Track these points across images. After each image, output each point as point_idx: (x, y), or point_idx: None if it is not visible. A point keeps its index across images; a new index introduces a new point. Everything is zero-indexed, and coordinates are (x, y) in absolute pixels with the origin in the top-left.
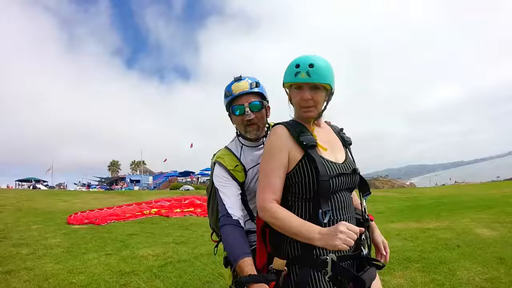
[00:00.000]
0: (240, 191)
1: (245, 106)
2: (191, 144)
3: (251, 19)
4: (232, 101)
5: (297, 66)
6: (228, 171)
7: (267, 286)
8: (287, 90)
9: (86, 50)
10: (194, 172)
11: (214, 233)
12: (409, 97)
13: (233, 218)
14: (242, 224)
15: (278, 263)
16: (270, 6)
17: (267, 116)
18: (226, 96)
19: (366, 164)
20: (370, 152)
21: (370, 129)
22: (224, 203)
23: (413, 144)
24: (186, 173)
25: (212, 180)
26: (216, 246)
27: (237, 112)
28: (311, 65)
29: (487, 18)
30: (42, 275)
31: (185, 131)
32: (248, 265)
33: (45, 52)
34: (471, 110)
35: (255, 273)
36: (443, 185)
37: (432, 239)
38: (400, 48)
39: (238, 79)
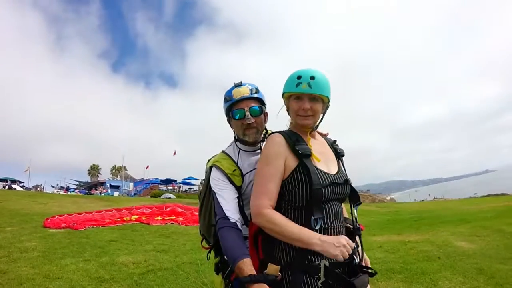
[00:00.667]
0: (237, 195)
1: (246, 110)
2: (174, 152)
3: (240, 30)
4: (233, 106)
5: (299, 77)
6: (225, 174)
7: (267, 286)
8: (286, 100)
9: (73, 50)
10: (176, 181)
11: (204, 240)
12: (392, 114)
13: (231, 220)
14: (240, 227)
15: (272, 268)
16: (258, 19)
17: (265, 121)
18: (226, 100)
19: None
20: (352, 167)
21: (353, 144)
22: (222, 205)
23: (394, 160)
24: (167, 181)
25: (206, 185)
26: (209, 252)
27: (237, 116)
28: (312, 77)
29: (470, 41)
30: (17, 279)
31: (168, 138)
32: (247, 266)
33: (29, 50)
34: (452, 128)
35: (255, 273)
36: (423, 200)
37: (413, 251)
38: (384, 66)
39: (239, 84)
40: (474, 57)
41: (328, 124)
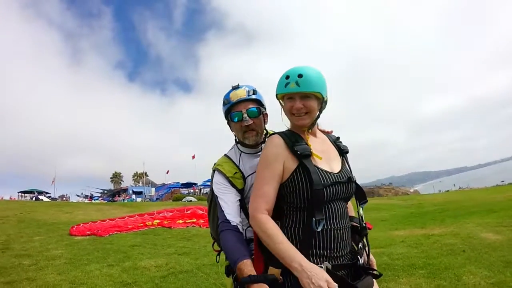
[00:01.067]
0: (239, 198)
1: (243, 112)
2: (193, 156)
3: (250, 33)
4: (231, 108)
5: (287, 77)
6: (227, 178)
7: (267, 286)
8: (281, 101)
9: (89, 63)
10: (196, 184)
11: (215, 243)
12: (409, 107)
13: (232, 223)
14: (241, 230)
15: (273, 272)
16: (267, 19)
17: (264, 122)
18: (224, 104)
19: (369, 173)
20: (373, 161)
21: (372, 138)
22: (223, 209)
23: (415, 152)
24: (188, 185)
25: (211, 189)
26: (218, 255)
27: (236, 119)
28: (300, 75)
29: (485, 28)
30: (44, 285)
31: (187, 142)
32: (247, 266)
33: (48, 65)
34: (471, 117)
35: (255, 273)
36: (447, 191)
37: (436, 245)
38: (397, 59)
39: (236, 87)
40: (489, 44)
41: (345, 119)
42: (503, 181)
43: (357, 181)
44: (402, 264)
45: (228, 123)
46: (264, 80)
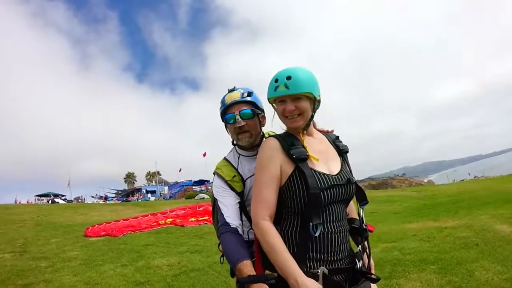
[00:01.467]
0: (238, 200)
1: (236, 114)
2: (204, 153)
3: (255, 28)
4: (226, 111)
5: (276, 80)
6: (226, 181)
7: (267, 286)
8: (274, 105)
9: (98, 67)
10: (208, 181)
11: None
12: (419, 94)
13: (231, 226)
14: (241, 232)
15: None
16: (272, 14)
17: (261, 125)
18: (220, 106)
19: (382, 164)
20: (385, 152)
21: (382, 128)
22: (223, 212)
23: (428, 140)
24: (200, 182)
25: (212, 192)
26: (222, 256)
27: (231, 121)
28: (288, 78)
29: (496, 11)
30: (60, 287)
31: (197, 140)
32: (247, 267)
33: (58, 71)
34: (483, 103)
35: (254, 273)
36: (462, 180)
37: (449, 238)
38: (409, 47)
39: (232, 90)
40: (498, 29)
41: (354, 111)
42: None
43: (356, 182)
44: (413, 259)
45: (225, 126)
46: (270, 75)
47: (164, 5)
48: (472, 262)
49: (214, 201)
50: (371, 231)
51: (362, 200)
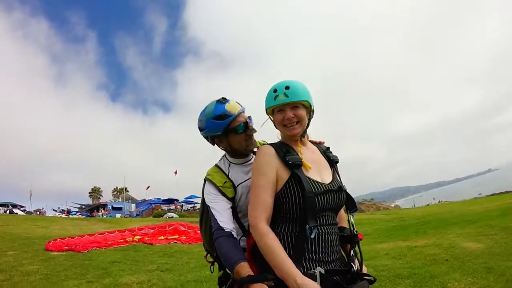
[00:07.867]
0: (230, 205)
1: (248, 122)
2: (175, 172)
3: (225, 59)
4: (233, 121)
5: (275, 91)
6: (217, 187)
7: (266, 286)
8: (271, 116)
9: (74, 85)
10: (178, 200)
11: (208, 254)
12: (384, 125)
13: (226, 230)
14: (235, 236)
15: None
16: (241, 44)
17: None
18: (223, 118)
19: (351, 189)
20: (354, 178)
21: (350, 156)
22: (216, 217)
23: (395, 167)
24: (170, 201)
25: (203, 199)
26: (212, 265)
27: (241, 130)
28: (287, 87)
29: (457, 47)
30: None
31: (168, 159)
32: (245, 268)
33: (34, 85)
34: (445, 132)
35: (253, 274)
36: (428, 204)
37: (420, 255)
38: (369, 79)
39: (225, 101)
40: (455, 63)
41: (323, 137)
42: (480, 194)
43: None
44: (388, 275)
45: (220, 138)
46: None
47: (140, 31)
48: (444, 275)
49: (203, 209)
50: (361, 239)
51: (352, 208)
